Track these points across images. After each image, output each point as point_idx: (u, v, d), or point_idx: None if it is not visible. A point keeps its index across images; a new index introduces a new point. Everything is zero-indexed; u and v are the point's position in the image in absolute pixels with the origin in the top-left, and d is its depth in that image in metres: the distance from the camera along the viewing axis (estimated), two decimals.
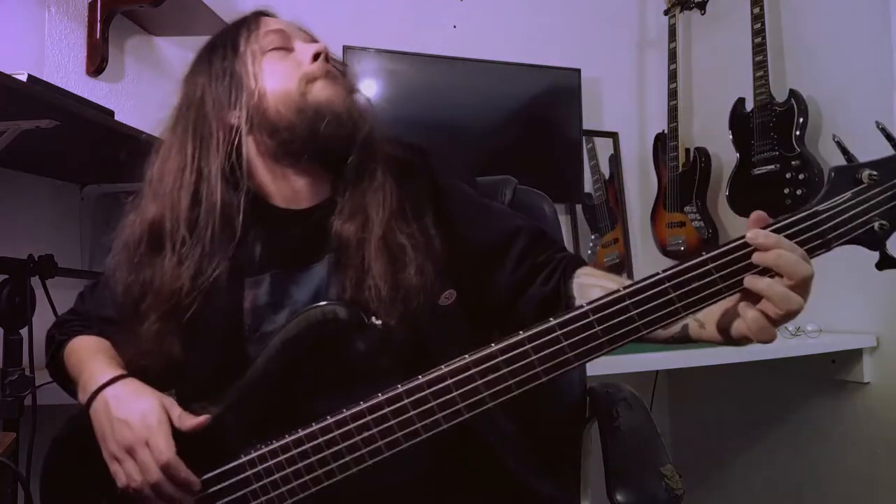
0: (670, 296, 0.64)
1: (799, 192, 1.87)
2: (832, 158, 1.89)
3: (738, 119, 2.07)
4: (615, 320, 0.66)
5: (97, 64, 1.54)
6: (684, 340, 0.74)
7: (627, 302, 0.65)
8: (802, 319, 1.81)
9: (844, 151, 0.68)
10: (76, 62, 1.53)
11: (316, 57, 0.89)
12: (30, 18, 1.41)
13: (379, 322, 0.80)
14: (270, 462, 0.76)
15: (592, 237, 2.42)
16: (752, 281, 0.63)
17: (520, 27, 2.38)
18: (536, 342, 0.68)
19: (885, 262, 0.67)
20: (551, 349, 0.67)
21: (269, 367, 0.80)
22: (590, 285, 0.82)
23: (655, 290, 0.65)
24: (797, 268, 0.62)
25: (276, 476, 0.76)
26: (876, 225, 0.64)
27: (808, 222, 0.64)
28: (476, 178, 1.11)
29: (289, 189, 0.91)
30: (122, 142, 1.20)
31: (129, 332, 0.86)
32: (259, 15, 0.95)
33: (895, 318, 1.74)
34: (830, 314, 1.85)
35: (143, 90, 1.74)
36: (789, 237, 0.63)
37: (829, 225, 0.64)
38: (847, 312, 1.83)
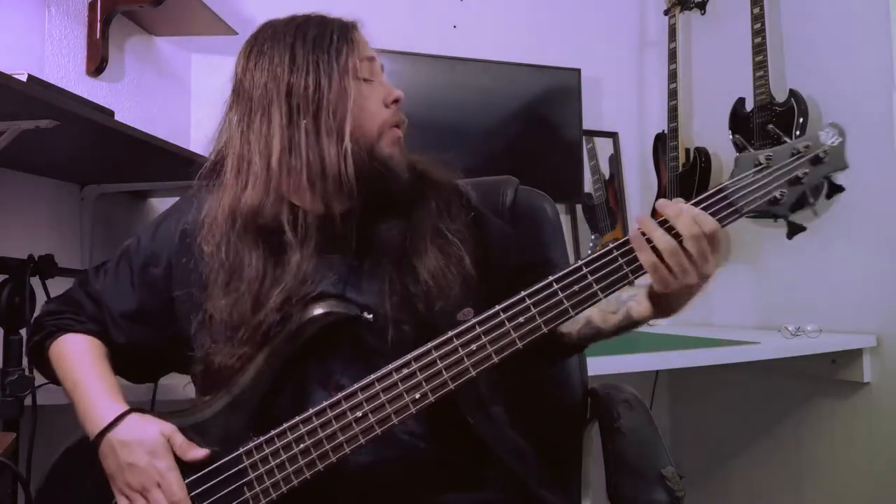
0: (589, 280, 0.77)
1: None
2: None
3: (738, 119, 2.07)
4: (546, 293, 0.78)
5: (97, 64, 1.54)
6: (631, 325, 0.87)
7: (557, 285, 0.78)
8: (802, 319, 1.81)
9: (779, 137, 0.83)
10: (76, 62, 1.53)
11: (395, 101, 0.89)
12: (30, 18, 1.41)
13: (370, 316, 0.83)
14: (267, 451, 0.79)
15: (592, 237, 2.42)
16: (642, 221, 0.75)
17: (520, 27, 2.38)
18: (510, 312, 0.78)
19: (792, 230, 0.80)
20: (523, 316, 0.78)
21: (270, 360, 0.82)
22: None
23: (576, 275, 0.78)
24: (691, 225, 0.73)
25: (273, 464, 0.79)
26: (777, 193, 0.77)
27: (719, 195, 0.77)
28: (477, 178, 1.10)
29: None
30: (122, 142, 1.20)
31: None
32: (354, 28, 0.94)
33: (895, 318, 1.74)
34: (830, 314, 1.85)
35: (143, 90, 1.74)
36: (706, 209, 0.76)
37: (738, 195, 0.77)
38: (847, 312, 1.83)
